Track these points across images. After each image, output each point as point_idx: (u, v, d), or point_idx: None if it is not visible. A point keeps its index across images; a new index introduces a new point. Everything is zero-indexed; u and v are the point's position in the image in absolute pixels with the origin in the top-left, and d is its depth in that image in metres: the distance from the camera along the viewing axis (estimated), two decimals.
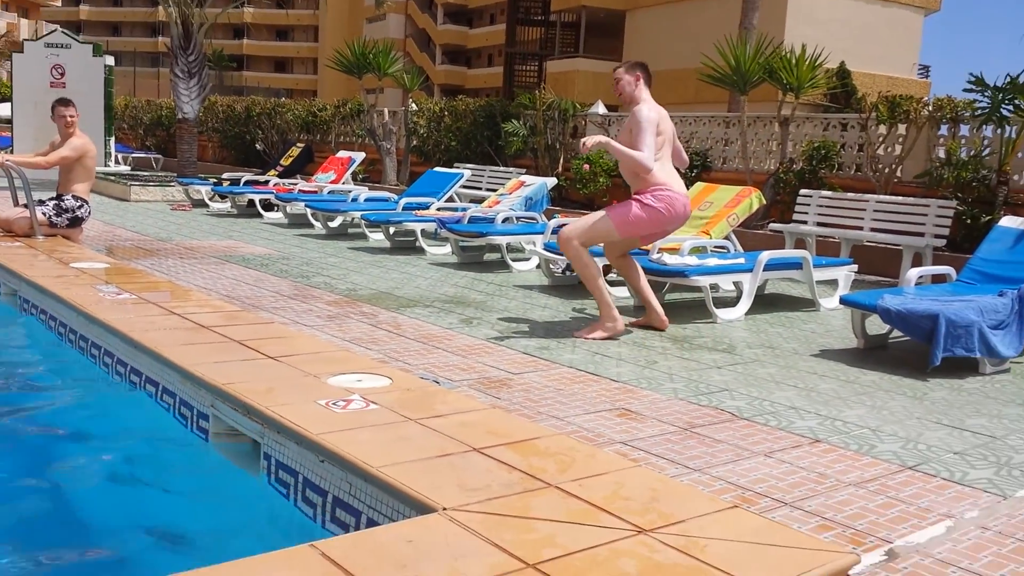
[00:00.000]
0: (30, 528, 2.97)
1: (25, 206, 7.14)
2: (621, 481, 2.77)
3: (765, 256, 6.23)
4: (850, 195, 9.13)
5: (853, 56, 24.51)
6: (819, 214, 9.15)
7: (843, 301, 5.17)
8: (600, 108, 15.03)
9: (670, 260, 6.02)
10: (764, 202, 7.70)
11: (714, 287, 6.45)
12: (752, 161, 11.41)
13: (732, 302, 6.29)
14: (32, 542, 2.89)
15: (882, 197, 8.81)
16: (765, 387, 4.22)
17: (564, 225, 5.45)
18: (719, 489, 2.88)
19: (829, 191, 9.54)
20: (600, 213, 5.17)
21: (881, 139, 10.12)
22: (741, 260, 6.37)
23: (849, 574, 2.12)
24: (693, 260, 6.10)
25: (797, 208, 9.38)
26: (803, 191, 9.50)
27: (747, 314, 6.07)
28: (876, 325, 5.21)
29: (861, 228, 8.65)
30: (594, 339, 5.09)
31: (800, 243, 8.90)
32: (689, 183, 10.09)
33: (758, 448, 3.31)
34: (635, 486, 2.73)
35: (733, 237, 7.33)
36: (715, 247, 6.97)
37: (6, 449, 3.58)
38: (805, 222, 9.17)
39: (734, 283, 6.49)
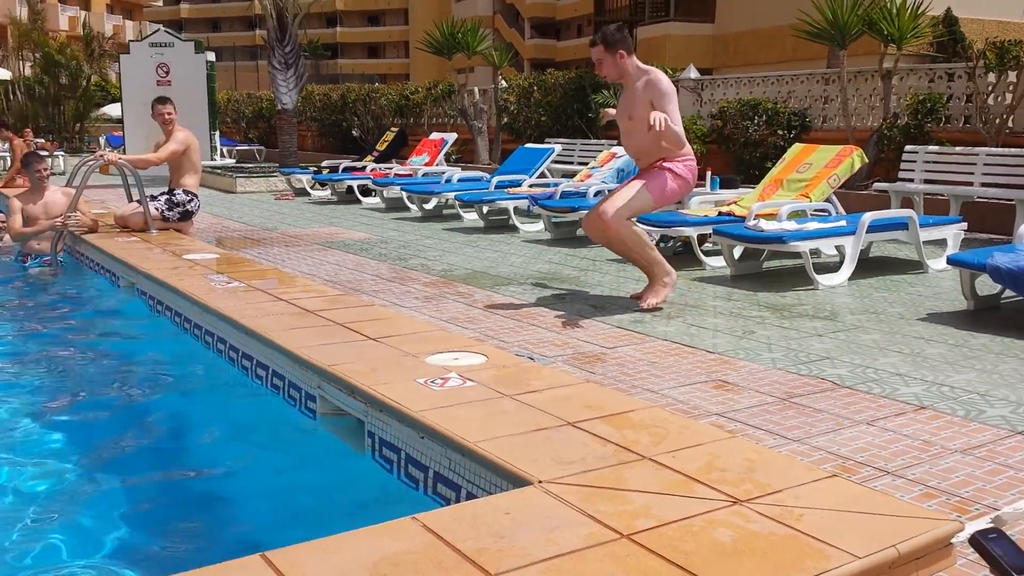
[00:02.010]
0: (154, 503, 3.19)
1: (139, 202, 7.54)
2: (716, 452, 2.77)
3: (868, 217, 6.04)
4: (959, 149, 8.72)
5: (960, 2, 23.23)
6: (926, 171, 8.78)
7: (950, 261, 4.98)
8: (692, 72, 14.74)
9: (767, 226, 5.90)
10: (866, 161, 7.44)
11: (815, 252, 6.29)
12: (853, 118, 11.01)
13: (834, 267, 6.13)
14: (156, 517, 3.10)
15: (993, 150, 8.39)
16: (868, 354, 4.12)
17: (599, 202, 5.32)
18: (819, 459, 2.85)
19: (936, 146, 9.13)
20: (636, 186, 5.03)
21: (990, 88, 9.61)
22: (843, 223, 6.19)
23: (952, 542, 2.08)
24: (792, 225, 5.96)
25: (902, 165, 9.02)
26: (908, 147, 9.13)
27: (850, 279, 5.91)
28: (987, 285, 5.00)
29: (971, 184, 8.26)
30: (661, 302, 5.07)
31: (906, 202, 8.56)
32: (787, 144, 9.84)
33: (860, 417, 3.25)
34: (730, 457, 2.73)
35: (834, 199, 7.12)
36: (815, 210, 6.79)
37: (128, 432, 3.83)
38: (911, 180, 8.81)
39: (836, 247, 6.32)
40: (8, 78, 22.95)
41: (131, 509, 3.14)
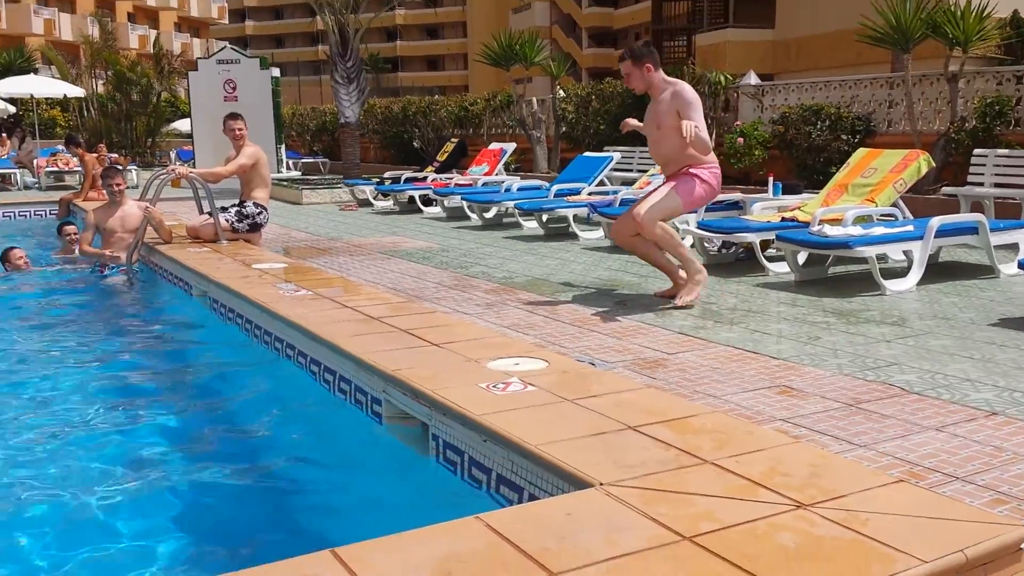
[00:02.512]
0: (225, 501, 3.30)
1: (209, 214, 7.77)
2: (780, 457, 2.76)
3: (936, 222, 5.92)
4: None
5: None
6: (996, 174, 8.55)
7: (1022, 265, 4.85)
8: (752, 78, 14.60)
9: (832, 231, 5.82)
10: (933, 165, 7.29)
11: (882, 257, 6.18)
12: (919, 122, 10.78)
13: (902, 272, 6.01)
14: (228, 514, 3.20)
15: None
16: (938, 360, 4.05)
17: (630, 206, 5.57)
18: (885, 464, 2.82)
19: (1006, 149, 8.89)
20: (665, 190, 5.26)
21: None
22: (910, 228, 6.07)
23: (1021, 547, 2.04)
24: (857, 230, 5.87)
25: (971, 169, 8.80)
26: (977, 151, 8.91)
27: (918, 284, 5.79)
28: None
29: None
30: (695, 299, 5.28)
31: (976, 206, 8.35)
32: (851, 149, 9.68)
33: (929, 423, 3.20)
34: (795, 462, 2.72)
35: (901, 204, 6.98)
36: (881, 215, 6.68)
37: (200, 434, 3.96)
38: (981, 183, 8.59)
39: (904, 252, 6.20)
40: (82, 95, 23.77)
41: (205, 507, 3.25)
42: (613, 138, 14.55)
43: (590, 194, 9.85)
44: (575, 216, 8.93)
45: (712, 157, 5.34)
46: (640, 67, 5.32)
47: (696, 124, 5.05)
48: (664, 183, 5.39)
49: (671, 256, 5.42)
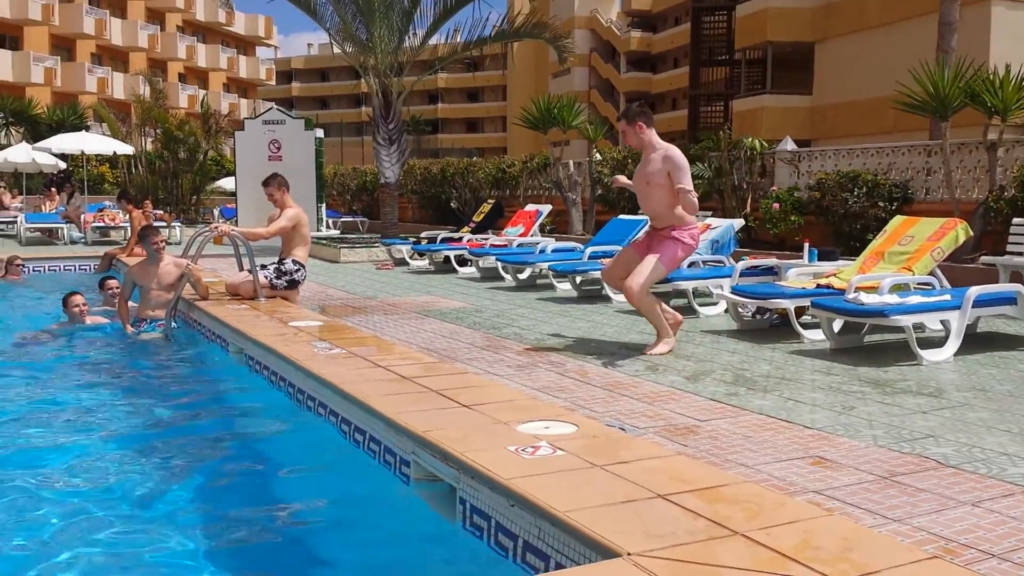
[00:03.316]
0: (252, 565, 3.30)
1: (249, 271, 7.92)
2: (812, 530, 2.72)
3: (974, 291, 5.85)
4: None
5: None
6: None
7: None
8: (789, 144, 14.65)
9: (868, 299, 5.78)
10: (971, 234, 7.23)
11: (918, 326, 6.10)
12: (958, 191, 10.72)
13: (939, 342, 5.93)
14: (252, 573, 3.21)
15: None
16: (975, 432, 3.97)
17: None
18: (920, 540, 2.76)
19: None
20: (652, 260, 5.80)
21: None
22: (947, 297, 6.01)
23: None
24: (894, 298, 5.82)
25: (1011, 238, 8.71)
26: (1016, 220, 8.82)
27: (956, 355, 5.71)
28: None
29: None
30: (662, 353, 5.78)
31: (1015, 276, 8.23)
32: (888, 216, 9.64)
33: (965, 497, 3.13)
34: (827, 535, 2.67)
35: (939, 272, 6.92)
36: (919, 284, 6.62)
37: (230, 493, 3.99)
38: (1020, 253, 8.49)
39: (941, 322, 6.12)
40: (131, 152, 24.49)
41: (231, 564, 3.26)
42: None
43: None
44: None
45: (693, 218, 5.93)
46: (633, 126, 5.88)
47: (688, 188, 5.64)
48: (651, 250, 5.89)
49: (648, 318, 6.01)
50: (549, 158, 17.51)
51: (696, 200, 5.76)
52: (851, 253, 9.42)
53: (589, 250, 10.28)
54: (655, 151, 5.86)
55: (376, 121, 16.29)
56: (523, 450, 3.40)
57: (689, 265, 8.43)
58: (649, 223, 6.16)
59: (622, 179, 6.51)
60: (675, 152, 5.81)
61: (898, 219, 7.50)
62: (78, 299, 7.70)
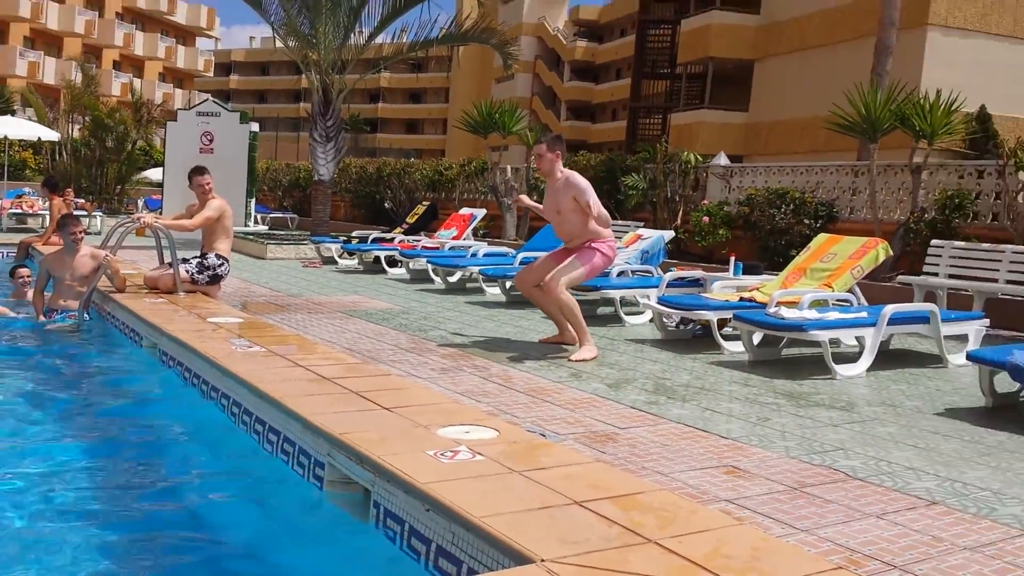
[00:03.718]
0: (157, 567, 3.19)
1: (170, 264, 7.70)
2: (723, 539, 2.75)
3: (889, 310, 6.02)
4: (985, 245, 8.71)
5: (996, 99, 23.36)
6: (951, 266, 8.76)
7: (970, 357, 4.94)
8: (722, 159, 14.93)
9: (788, 314, 5.90)
10: (891, 254, 7.45)
11: (834, 342, 6.27)
12: (881, 211, 11.06)
13: (854, 358, 6.09)
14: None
15: (1020, 248, 8.37)
16: (883, 446, 4.08)
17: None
18: (826, 550, 2.81)
19: (963, 241, 9.13)
20: (574, 263, 6.04)
21: (1021, 186, 9.63)
22: (864, 314, 6.17)
23: None
24: (812, 314, 5.95)
25: (928, 259, 9.02)
26: (935, 241, 9.14)
27: (869, 370, 5.87)
28: (1007, 383, 4.94)
29: (996, 280, 8.22)
30: (586, 360, 5.85)
31: (930, 296, 8.53)
32: (813, 233, 9.88)
33: (871, 510, 3.20)
34: (737, 544, 2.71)
35: (857, 290, 7.11)
36: (837, 300, 6.78)
37: (133, 492, 3.85)
38: (936, 274, 8.79)
39: (856, 338, 6.29)
40: (57, 139, 23.70)
41: (134, 565, 3.15)
42: None
43: None
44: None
45: (609, 232, 6.22)
46: (552, 153, 6.20)
47: (597, 205, 6.00)
48: (570, 255, 6.14)
49: (565, 317, 6.14)
50: (487, 162, 17.52)
51: (607, 215, 6.14)
52: (775, 268, 9.62)
53: (521, 255, 10.29)
54: (558, 180, 6.18)
55: (314, 117, 16.06)
56: (442, 454, 3.37)
57: (618, 274, 8.51)
58: (567, 244, 6.36)
59: (525, 199, 6.86)
60: (575, 176, 6.16)
61: (822, 237, 7.69)
62: (24, 271, 7.63)
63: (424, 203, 16.14)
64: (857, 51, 22.14)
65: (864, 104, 10.37)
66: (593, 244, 6.14)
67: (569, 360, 5.87)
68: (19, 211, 17.34)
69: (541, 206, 6.64)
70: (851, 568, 2.65)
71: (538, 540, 2.62)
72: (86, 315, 7.28)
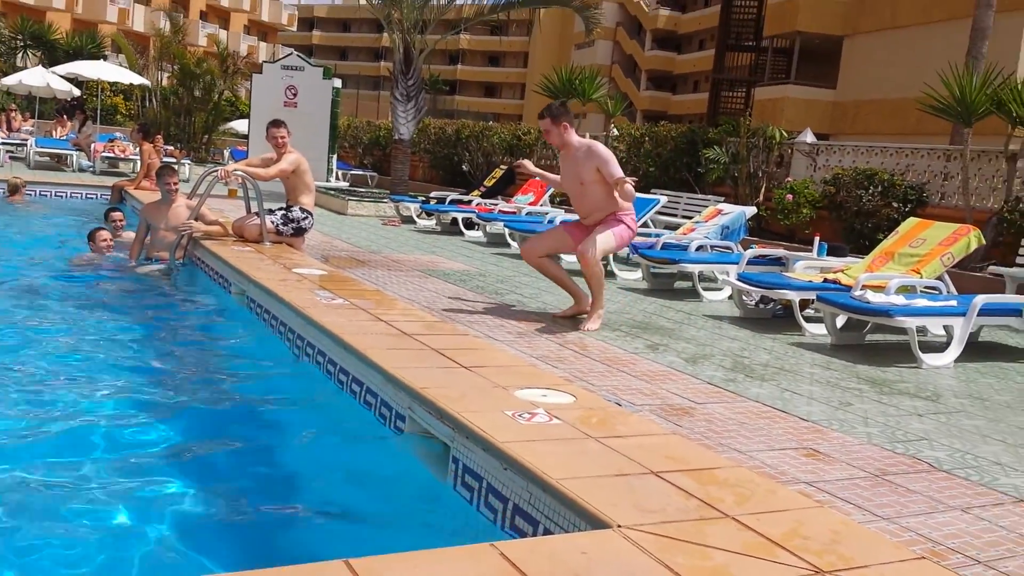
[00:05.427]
0: (239, 502, 3.31)
1: (257, 214, 7.88)
2: (802, 520, 2.73)
3: (980, 300, 5.83)
4: None
5: None
6: None
7: None
8: (808, 136, 14.54)
9: (874, 298, 5.76)
10: (983, 242, 7.19)
11: (921, 330, 6.10)
12: (973, 198, 10.66)
13: (941, 347, 5.92)
14: (240, 515, 3.22)
15: None
16: (969, 439, 3.97)
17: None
18: (907, 540, 2.77)
19: None
20: (606, 233, 5.81)
21: None
22: (953, 303, 5.99)
23: None
24: (900, 299, 5.80)
25: (1021, 251, 8.67)
26: None
27: (956, 361, 5.70)
28: None
29: None
30: (595, 329, 5.70)
31: (1022, 288, 8.21)
32: (901, 217, 9.58)
33: (955, 503, 3.13)
34: (816, 526, 2.68)
35: (947, 278, 6.89)
36: (925, 287, 6.59)
37: (217, 432, 4.00)
38: None
39: (944, 327, 6.11)
40: (147, 85, 24.32)
41: (216, 505, 3.27)
42: (662, 181, 14.56)
43: None
44: (615, 255, 8.92)
45: (630, 205, 5.97)
46: (558, 125, 5.85)
47: (614, 173, 5.68)
48: (599, 226, 5.88)
49: (589, 287, 5.90)
50: None
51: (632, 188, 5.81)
52: (860, 251, 9.38)
53: None
54: (576, 149, 5.86)
55: (395, 76, 16.14)
56: (520, 415, 3.41)
57: (697, 249, 8.41)
58: (583, 219, 6.11)
59: (529, 165, 6.49)
60: (597, 145, 5.86)
61: (911, 221, 7.45)
62: (105, 234, 7.72)
63: (501, 167, 16.12)
64: (951, 33, 21.22)
65: (959, 87, 9.97)
66: (619, 215, 5.89)
67: (585, 329, 5.70)
68: (111, 155, 17.90)
69: (552, 175, 6.45)
70: (933, 559, 2.60)
71: (614, 506, 2.64)
72: (179, 262, 7.51)
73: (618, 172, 5.71)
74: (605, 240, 5.80)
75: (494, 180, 15.30)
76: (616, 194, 5.79)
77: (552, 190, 13.36)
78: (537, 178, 6.62)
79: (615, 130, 16.47)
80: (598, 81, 16.50)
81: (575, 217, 6.55)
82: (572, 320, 6.07)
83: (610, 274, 8.77)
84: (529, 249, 6.28)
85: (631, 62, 57.35)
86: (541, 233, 6.43)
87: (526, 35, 62.46)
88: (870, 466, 3.47)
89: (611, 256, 8.85)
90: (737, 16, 33.74)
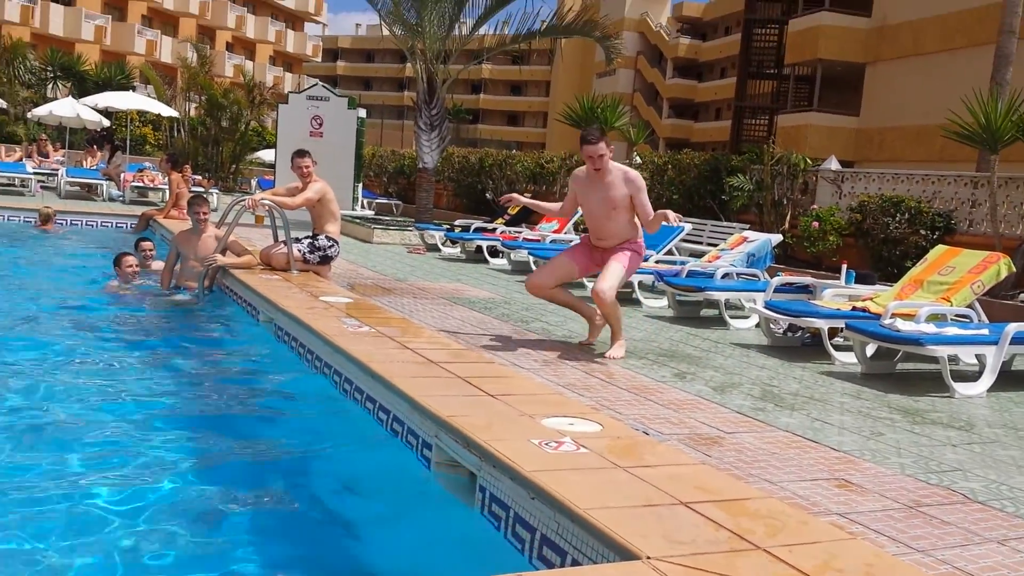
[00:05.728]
0: (262, 530, 3.31)
1: (284, 243, 7.95)
2: (834, 552, 2.68)
3: (1013, 328, 5.74)
4: None
5: None
6: None
7: None
8: (833, 163, 14.48)
9: (904, 327, 5.69)
10: (1014, 270, 7.09)
11: (953, 358, 6.01)
12: (1002, 225, 10.54)
13: (973, 376, 5.84)
14: (263, 543, 3.21)
15: None
16: (1005, 470, 3.90)
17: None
18: (943, 573, 2.71)
19: None
20: (617, 267, 5.78)
21: None
22: (985, 331, 5.91)
23: None
24: (930, 328, 5.73)
25: None
26: None
27: (990, 390, 5.61)
28: None
29: None
30: (620, 357, 5.71)
31: None
32: (929, 245, 9.49)
33: (991, 535, 3.07)
34: (850, 558, 2.63)
35: (977, 306, 6.80)
36: (956, 315, 6.51)
37: (243, 458, 4.00)
38: None
39: (976, 356, 6.02)
40: (176, 116, 24.70)
41: (240, 534, 3.27)
42: (686, 209, 14.53)
43: (657, 262, 9.81)
44: (640, 283, 8.90)
45: (641, 232, 5.97)
46: (608, 149, 5.72)
47: (644, 205, 5.72)
48: (612, 258, 5.84)
49: (609, 323, 5.91)
50: None
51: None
52: (888, 279, 9.29)
53: None
54: (610, 175, 5.77)
55: (419, 106, 16.29)
56: (547, 444, 3.39)
57: (723, 276, 8.37)
58: (597, 242, 6.04)
59: (519, 198, 6.39)
60: (635, 173, 5.81)
61: (940, 248, 7.38)
62: (131, 260, 7.78)
63: (526, 195, 16.17)
64: (974, 59, 21.15)
65: (984, 113, 9.90)
66: (633, 245, 5.91)
67: (610, 357, 5.68)
68: (140, 184, 18.16)
69: (546, 204, 6.55)
70: None
71: (643, 537, 2.61)
72: (207, 291, 7.56)
73: (645, 200, 5.75)
74: (620, 276, 5.80)
75: (518, 208, 15.34)
76: (638, 222, 5.83)
77: (577, 218, 13.37)
78: (530, 207, 6.62)
79: (638, 158, 16.49)
80: (620, 109, 16.57)
81: (571, 238, 6.58)
82: (598, 348, 6.05)
83: (635, 302, 8.75)
84: (537, 285, 6.06)
85: (652, 90, 57.57)
86: (543, 266, 6.33)
87: (548, 64, 62.90)
88: (904, 497, 3.41)
89: (635, 283, 8.84)
90: (758, 44, 33.82)
